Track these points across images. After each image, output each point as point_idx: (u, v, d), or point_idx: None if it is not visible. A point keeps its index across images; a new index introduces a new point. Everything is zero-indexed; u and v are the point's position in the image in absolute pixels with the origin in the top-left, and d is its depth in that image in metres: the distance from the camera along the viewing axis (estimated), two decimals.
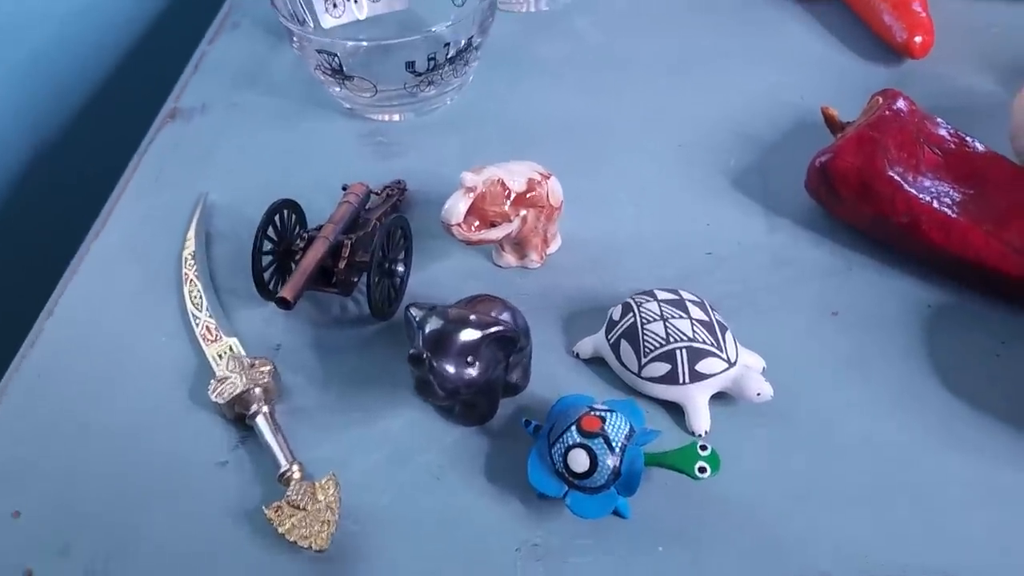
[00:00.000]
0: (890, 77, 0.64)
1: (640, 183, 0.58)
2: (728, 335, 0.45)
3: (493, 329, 0.41)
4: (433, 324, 0.40)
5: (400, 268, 0.51)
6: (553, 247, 0.53)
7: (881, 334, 0.48)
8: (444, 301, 0.51)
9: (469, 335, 0.40)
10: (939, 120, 0.54)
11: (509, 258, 0.52)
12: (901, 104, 0.53)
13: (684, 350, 0.44)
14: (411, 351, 0.39)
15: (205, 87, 0.69)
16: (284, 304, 0.46)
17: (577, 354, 0.48)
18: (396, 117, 0.64)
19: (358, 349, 0.49)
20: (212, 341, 0.49)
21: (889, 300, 0.50)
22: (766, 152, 0.59)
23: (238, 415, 0.45)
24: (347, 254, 0.49)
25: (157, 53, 0.95)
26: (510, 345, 0.42)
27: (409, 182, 0.58)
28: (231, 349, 0.48)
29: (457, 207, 0.46)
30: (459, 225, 0.47)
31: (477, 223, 0.48)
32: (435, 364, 0.39)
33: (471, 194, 0.46)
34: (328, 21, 0.66)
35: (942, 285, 0.50)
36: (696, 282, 0.51)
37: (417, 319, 0.41)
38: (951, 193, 0.50)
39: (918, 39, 0.63)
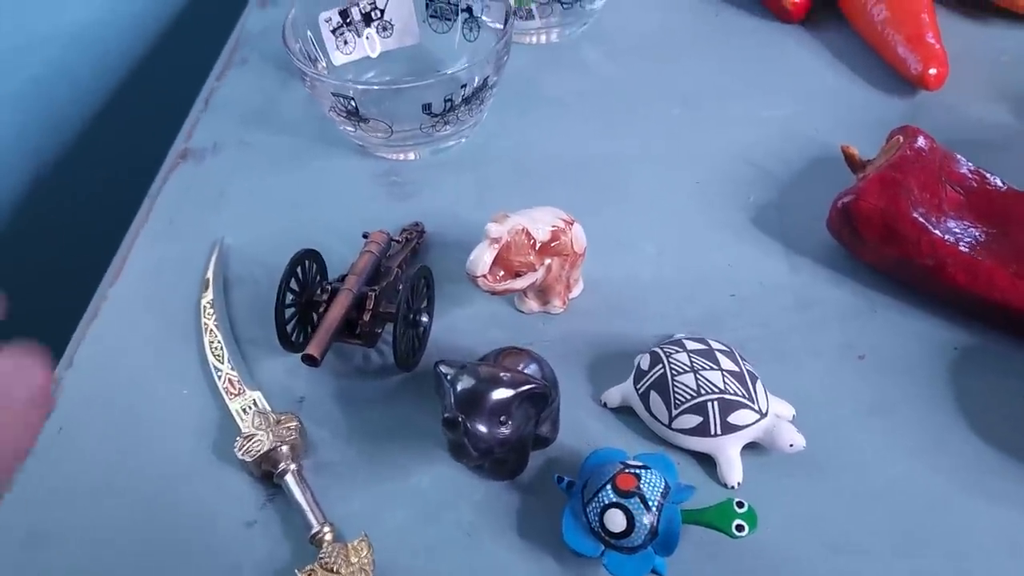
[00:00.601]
0: (904, 109, 0.64)
1: (659, 222, 0.58)
2: (759, 385, 0.45)
3: (526, 387, 0.40)
4: (464, 383, 0.40)
5: (424, 318, 0.50)
6: (576, 291, 0.53)
7: (907, 378, 0.48)
8: (467, 349, 0.51)
9: (502, 394, 0.40)
10: (959, 157, 0.54)
11: (532, 304, 0.52)
12: (922, 142, 0.53)
13: (715, 402, 0.43)
14: (445, 415, 0.39)
15: (215, 126, 0.68)
16: (311, 361, 0.45)
17: (605, 403, 0.48)
18: (411, 156, 0.63)
19: (382, 401, 0.49)
20: (235, 395, 0.49)
21: (914, 342, 0.50)
22: (783, 188, 0.59)
23: (265, 472, 0.45)
24: (371, 306, 0.48)
25: (159, 79, 0.95)
26: (542, 402, 0.42)
27: (425, 223, 0.58)
28: (255, 404, 0.48)
29: (483, 258, 0.46)
30: (484, 276, 0.46)
31: (502, 273, 0.47)
32: (469, 426, 0.39)
33: (496, 245, 0.46)
34: (339, 58, 0.66)
35: (968, 326, 0.50)
36: (721, 325, 0.51)
37: (448, 377, 0.41)
38: (975, 233, 0.50)
39: (933, 71, 0.63)
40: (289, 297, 0.48)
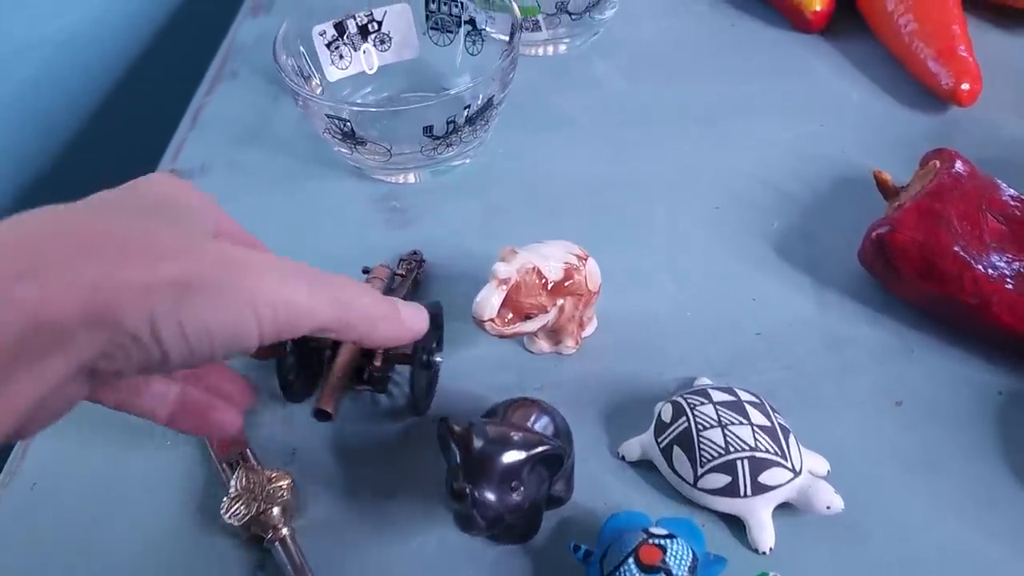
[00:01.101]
0: (934, 126, 0.61)
1: (677, 252, 0.54)
2: (791, 439, 0.41)
3: (539, 449, 0.37)
4: (473, 445, 0.37)
5: (437, 358, 0.47)
6: (589, 330, 0.49)
7: (950, 427, 0.44)
8: (473, 395, 0.47)
9: (513, 457, 0.36)
10: (1000, 183, 0.50)
11: (542, 344, 0.48)
12: (960, 167, 0.50)
13: (745, 460, 0.40)
14: (454, 485, 0.35)
15: (204, 144, 0.64)
16: (324, 417, 0.42)
17: (623, 456, 0.44)
18: (411, 179, 0.60)
19: (382, 453, 0.45)
20: (223, 448, 0.45)
21: (956, 387, 0.46)
22: (808, 213, 0.56)
23: (254, 536, 0.41)
24: (382, 349, 0.44)
25: (151, 82, 0.92)
26: (556, 463, 0.38)
27: (427, 252, 0.54)
28: (243, 458, 0.44)
29: (490, 301, 0.42)
30: (492, 320, 0.43)
31: (511, 315, 0.44)
32: (477, 495, 0.35)
33: (504, 286, 0.43)
34: (335, 74, 0.62)
35: (1014, 368, 0.46)
36: (747, 368, 0.47)
37: (455, 439, 0.37)
38: (1020, 268, 0.46)
39: (966, 87, 0.59)
40: (289, 343, 0.45)
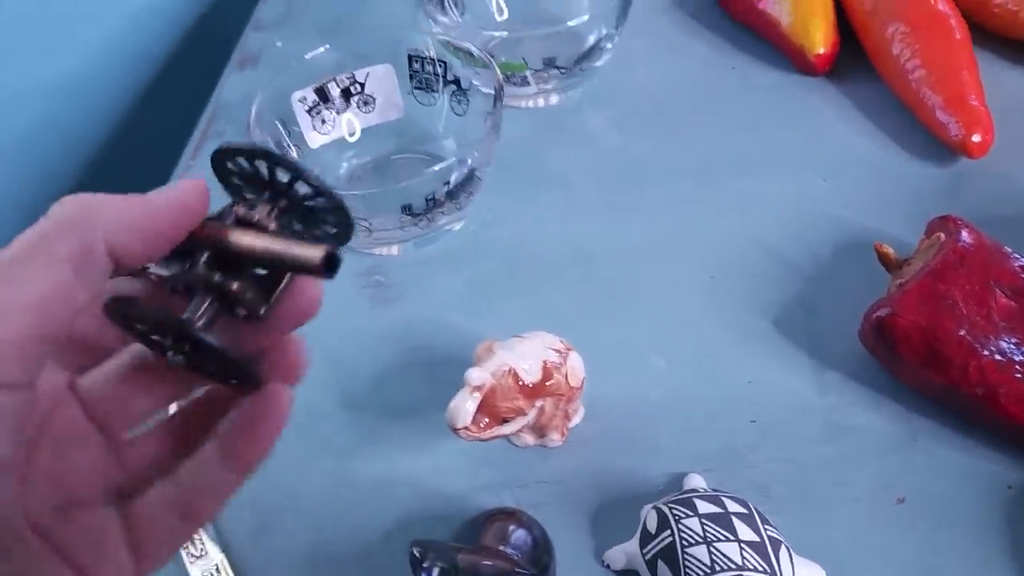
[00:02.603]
0: (944, 180, 0.58)
1: (668, 328, 0.52)
2: (783, 552, 0.40)
3: None
4: None
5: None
6: (576, 419, 0.48)
7: (956, 525, 0.43)
8: (455, 496, 0.46)
9: None
10: (1009, 252, 0.48)
11: (527, 438, 0.47)
12: (966, 237, 0.48)
13: None
14: None
15: None
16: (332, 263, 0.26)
17: (608, 565, 0.43)
18: (395, 251, 0.59)
19: (360, 560, 0.44)
20: (196, 557, 0.44)
21: (962, 480, 0.44)
22: (809, 282, 0.54)
23: None
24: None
25: (148, 127, 0.92)
26: None
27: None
28: (219, 570, 0.44)
29: (464, 408, 0.41)
30: (467, 428, 0.42)
31: (486, 420, 0.43)
32: None
33: (478, 393, 0.41)
34: (316, 139, 0.61)
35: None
36: (740, 461, 0.46)
37: (425, 566, 0.36)
38: None
39: (976, 138, 0.57)
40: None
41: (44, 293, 0.23)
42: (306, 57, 0.59)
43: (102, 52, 0.88)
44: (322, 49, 0.59)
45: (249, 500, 0.46)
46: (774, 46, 0.69)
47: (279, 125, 0.58)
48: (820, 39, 0.65)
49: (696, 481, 0.45)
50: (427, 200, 0.53)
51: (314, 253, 0.25)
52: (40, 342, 0.23)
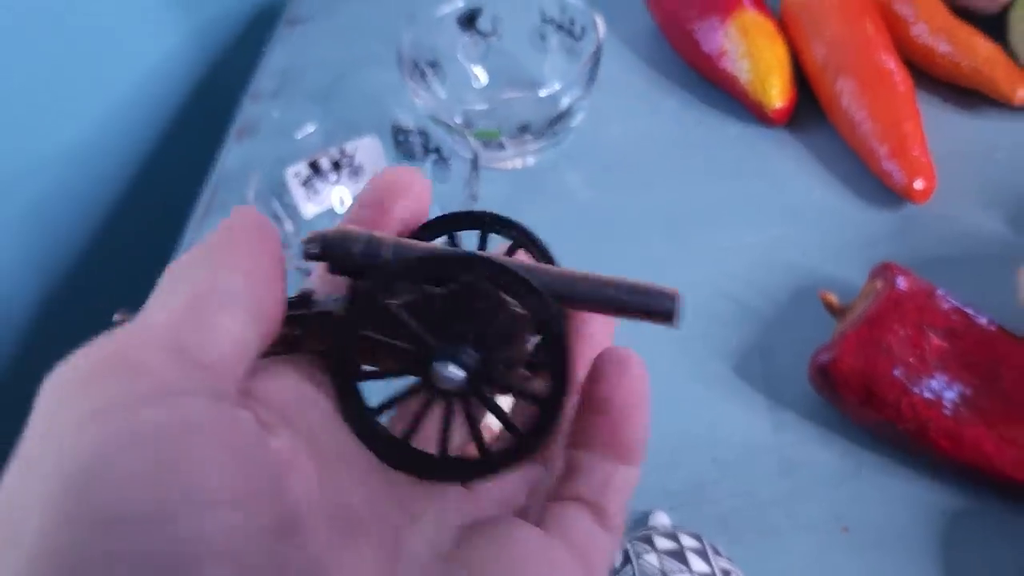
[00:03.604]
0: (893, 223, 0.64)
1: None
2: None
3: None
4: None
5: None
6: None
7: (898, 550, 0.48)
8: None
9: None
10: (940, 294, 0.53)
11: None
12: (901, 283, 0.53)
13: None
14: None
15: None
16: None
17: None
18: None
19: None
20: None
21: (901, 509, 0.49)
22: (766, 327, 0.59)
23: None
24: None
25: (155, 192, 0.98)
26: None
27: None
28: None
29: None
30: None
31: None
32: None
33: None
34: (310, 210, 0.67)
35: (958, 487, 0.49)
36: (702, 497, 0.51)
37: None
38: (960, 389, 0.49)
39: (919, 185, 0.62)
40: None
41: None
42: (298, 138, 0.65)
43: (108, 120, 0.94)
44: (311, 129, 0.65)
45: None
46: (737, 100, 0.74)
47: (275, 199, 0.64)
48: (776, 94, 0.70)
49: (661, 518, 0.50)
50: None
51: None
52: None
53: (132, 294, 0.76)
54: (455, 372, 0.24)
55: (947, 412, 0.48)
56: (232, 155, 0.81)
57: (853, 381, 0.50)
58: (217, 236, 0.23)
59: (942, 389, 0.49)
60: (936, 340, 0.52)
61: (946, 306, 0.53)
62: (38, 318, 0.90)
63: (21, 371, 0.86)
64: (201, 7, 1.01)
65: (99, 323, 0.75)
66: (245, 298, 0.22)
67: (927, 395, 0.49)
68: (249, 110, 0.85)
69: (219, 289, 0.21)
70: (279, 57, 0.90)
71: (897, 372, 0.49)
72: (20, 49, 0.83)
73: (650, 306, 0.25)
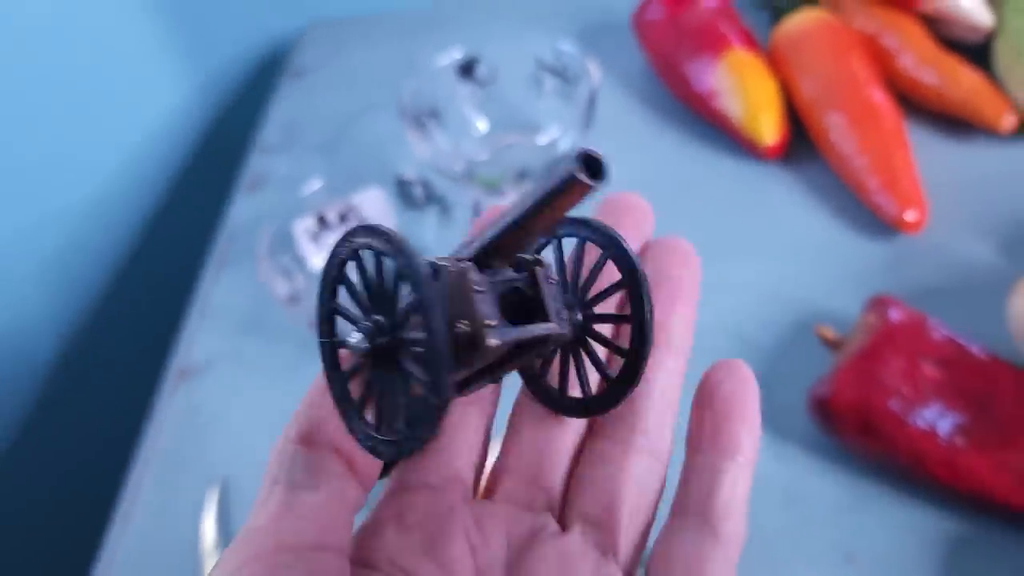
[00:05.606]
0: (887, 255, 0.66)
1: None
2: None
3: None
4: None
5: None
6: None
7: None
8: None
9: None
10: (933, 324, 0.56)
11: None
12: (894, 315, 0.56)
13: None
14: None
15: (209, 338, 0.73)
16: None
17: None
18: None
19: None
20: None
21: (904, 536, 0.51)
22: (767, 361, 0.62)
23: None
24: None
25: (166, 244, 1.02)
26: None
27: None
28: None
29: None
30: None
31: None
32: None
33: None
34: (319, 262, 0.70)
35: (958, 513, 0.52)
36: None
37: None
38: (955, 418, 0.52)
39: (910, 216, 0.65)
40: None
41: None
42: (305, 195, 0.68)
43: (120, 175, 0.98)
44: (317, 186, 0.68)
45: None
46: (731, 137, 0.77)
47: (284, 253, 0.67)
48: (768, 131, 0.73)
49: None
50: None
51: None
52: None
53: (148, 342, 0.79)
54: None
55: (942, 441, 0.50)
56: (241, 208, 0.85)
57: (850, 414, 0.52)
58: None
59: (936, 419, 0.52)
60: (929, 370, 0.54)
61: (938, 336, 0.55)
62: (57, 365, 0.93)
63: (42, 419, 0.89)
64: (205, 62, 1.05)
65: (115, 370, 0.79)
66: None
67: (922, 425, 0.51)
68: (256, 163, 0.89)
69: None
70: (283, 109, 0.94)
71: (892, 404, 0.52)
72: (37, 110, 0.87)
73: (557, 182, 0.25)
